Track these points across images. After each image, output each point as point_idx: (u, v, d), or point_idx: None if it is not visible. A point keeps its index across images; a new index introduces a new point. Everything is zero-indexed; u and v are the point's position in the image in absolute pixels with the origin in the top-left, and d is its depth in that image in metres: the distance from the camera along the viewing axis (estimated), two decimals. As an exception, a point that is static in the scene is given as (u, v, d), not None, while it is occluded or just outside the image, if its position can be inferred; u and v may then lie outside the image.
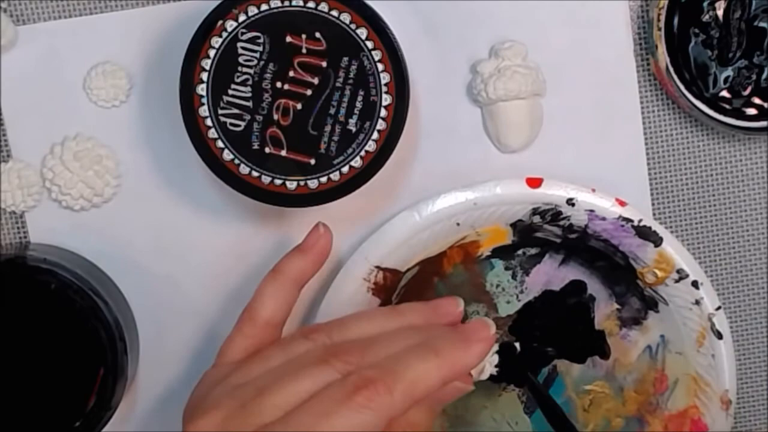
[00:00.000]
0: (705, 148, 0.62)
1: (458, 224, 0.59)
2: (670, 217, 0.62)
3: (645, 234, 0.59)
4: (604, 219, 0.59)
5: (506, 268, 0.62)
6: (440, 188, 0.60)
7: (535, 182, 0.59)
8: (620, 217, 0.59)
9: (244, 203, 0.57)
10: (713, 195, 0.62)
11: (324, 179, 0.55)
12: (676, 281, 0.60)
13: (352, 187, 0.55)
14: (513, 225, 0.60)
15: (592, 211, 0.59)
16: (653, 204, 0.62)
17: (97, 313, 0.54)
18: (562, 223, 0.59)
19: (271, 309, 0.54)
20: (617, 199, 0.59)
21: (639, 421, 0.63)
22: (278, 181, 0.55)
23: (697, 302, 0.60)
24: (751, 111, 0.59)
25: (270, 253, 0.61)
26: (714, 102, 0.59)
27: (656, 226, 0.59)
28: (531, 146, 0.61)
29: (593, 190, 0.59)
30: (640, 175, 0.61)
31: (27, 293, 0.54)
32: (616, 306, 0.62)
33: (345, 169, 0.55)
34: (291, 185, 0.55)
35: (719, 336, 0.60)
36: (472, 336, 0.50)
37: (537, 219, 0.59)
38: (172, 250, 0.60)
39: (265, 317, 0.54)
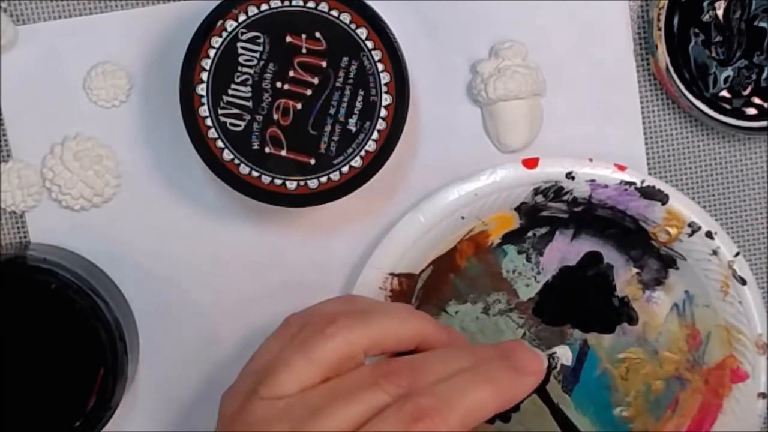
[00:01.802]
0: (705, 148, 0.62)
1: (463, 218, 0.59)
2: (670, 217, 0.62)
3: (650, 194, 0.59)
4: (606, 186, 0.59)
5: (519, 252, 0.62)
6: (440, 188, 0.60)
7: (531, 162, 0.58)
8: (622, 181, 0.59)
9: (244, 203, 0.57)
10: (713, 195, 0.62)
11: (324, 179, 0.55)
12: (690, 235, 0.59)
13: (352, 187, 0.55)
14: (517, 209, 0.60)
15: (593, 180, 0.59)
16: (653, 204, 0.62)
17: (97, 313, 0.54)
18: (565, 198, 0.59)
19: None
20: (616, 165, 0.59)
21: (679, 380, 0.62)
22: (278, 181, 0.55)
23: (715, 252, 0.59)
24: (751, 111, 0.59)
25: (270, 253, 0.61)
26: (714, 102, 0.59)
27: (660, 185, 0.59)
28: (531, 146, 0.61)
29: (591, 160, 0.59)
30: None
31: (27, 293, 0.54)
32: (635, 270, 0.62)
33: (345, 169, 0.55)
34: (291, 185, 0.55)
35: (743, 282, 0.60)
36: (526, 367, 0.49)
37: (540, 198, 0.59)
38: (172, 250, 0.60)
39: None
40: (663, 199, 0.59)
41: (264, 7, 0.54)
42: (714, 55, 0.59)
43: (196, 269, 0.61)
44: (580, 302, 0.62)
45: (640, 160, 0.61)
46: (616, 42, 0.60)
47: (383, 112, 0.55)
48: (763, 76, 0.59)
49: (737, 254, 0.60)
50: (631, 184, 0.59)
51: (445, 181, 0.60)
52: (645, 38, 0.60)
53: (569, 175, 0.58)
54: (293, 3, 0.54)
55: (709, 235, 0.59)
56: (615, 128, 0.61)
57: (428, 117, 0.60)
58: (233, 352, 0.61)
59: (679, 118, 0.61)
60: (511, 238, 0.61)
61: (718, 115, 0.59)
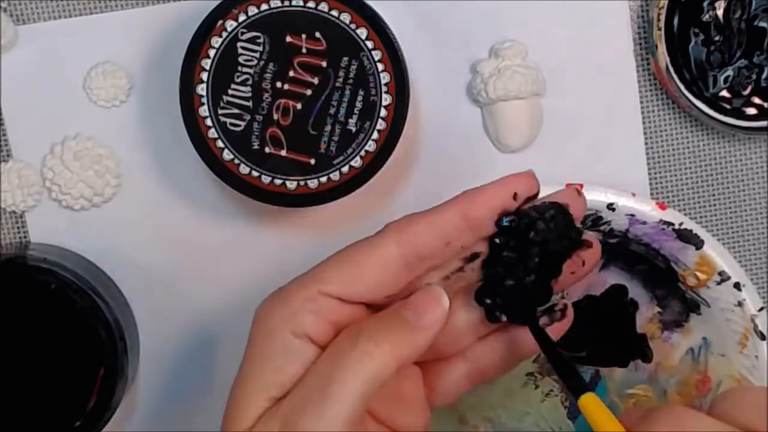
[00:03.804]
0: (705, 148, 0.62)
1: None
2: (670, 217, 0.62)
3: (686, 237, 0.59)
4: (644, 223, 0.59)
5: None
6: (440, 188, 0.60)
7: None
8: (661, 220, 0.59)
9: (244, 203, 0.57)
10: (713, 195, 0.62)
11: (324, 179, 0.55)
12: (718, 283, 0.59)
13: (352, 187, 0.55)
14: None
15: (632, 215, 0.59)
16: (653, 204, 0.62)
17: (97, 313, 0.54)
18: (602, 228, 0.59)
19: None
20: (657, 203, 0.59)
21: None
22: (278, 181, 0.55)
23: (740, 304, 0.60)
24: (751, 111, 0.59)
25: (270, 253, 0.61)
26: (714, 102, 0.59)
27: (697, 229, 0.59)
28: (531, 146, 0.61)
29: (633, 195, 0.59)
30: (640, 175, 0.61)
31: (27, 293, 0.54)
32: (658, 309, 0.62)
33: (345, 169, 0.55)
34: (291, 185, 0.55)
35: (762, 337, 0.60)
36: (421, 315, 0.45)
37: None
38: (172, 249, 0.60)
39: None
40: (698, 243, 0.59)
41: (264, 7, 0.54)
42: (714, 55, 0.59)
43: (196, 269, 0.61)
44: (599, 332, 0.62)
45: (640, 161, 0.61)
46: (616, 42, 0.60)
47: (383, 112, 0.55)
48: (763, 76, 0.59)
49: (761, 309, 0.60)
50: (669, 224, 0.59)
51: (445, 181, 0.60)
52: (645, 38, 0.60)
53: (610, 207, 0.58)
54: (293, 3, 0.54)
55: (737, 286, 0.59)
56: (615, 128, 0.61)
57: (428, 117, 0.60)
58: (233, 352, 0.61)
59: (679, 118, 0.61)
60: None
61: (718, 115, 0.59)
